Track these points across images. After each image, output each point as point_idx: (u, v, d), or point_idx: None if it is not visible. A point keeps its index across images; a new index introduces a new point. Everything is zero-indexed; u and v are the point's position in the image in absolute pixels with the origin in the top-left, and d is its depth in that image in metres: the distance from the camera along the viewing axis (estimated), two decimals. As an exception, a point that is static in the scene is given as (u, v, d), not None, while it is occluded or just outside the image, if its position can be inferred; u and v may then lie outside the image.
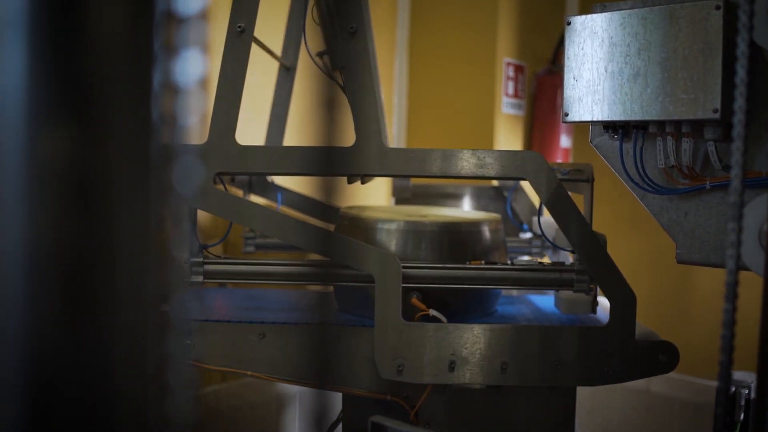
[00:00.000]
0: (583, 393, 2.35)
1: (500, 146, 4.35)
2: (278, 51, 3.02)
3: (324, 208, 2.97)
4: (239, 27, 2.09)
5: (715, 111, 1.84)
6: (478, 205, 3.22)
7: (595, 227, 2.20)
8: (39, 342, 0.56)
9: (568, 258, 2.93)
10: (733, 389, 2.19)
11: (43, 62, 0.53)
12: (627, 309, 2.07)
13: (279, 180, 3.11)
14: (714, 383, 1.37)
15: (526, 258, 3.03)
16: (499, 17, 4.36)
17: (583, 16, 2.07)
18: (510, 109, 4.46)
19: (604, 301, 2.40)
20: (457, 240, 2.29)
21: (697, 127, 1.95)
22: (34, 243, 0.54)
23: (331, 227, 2.74)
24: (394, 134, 4.64)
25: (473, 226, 2.33)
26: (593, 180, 2.28)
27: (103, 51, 0.55)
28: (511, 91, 4.46)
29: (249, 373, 2.15)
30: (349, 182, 2.32)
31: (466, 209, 3.17)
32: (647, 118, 1.97)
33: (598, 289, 2.24)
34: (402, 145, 4.67)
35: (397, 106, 4.65)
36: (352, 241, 2.07)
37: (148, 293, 0.58)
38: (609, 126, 2.11)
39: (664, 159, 2.02)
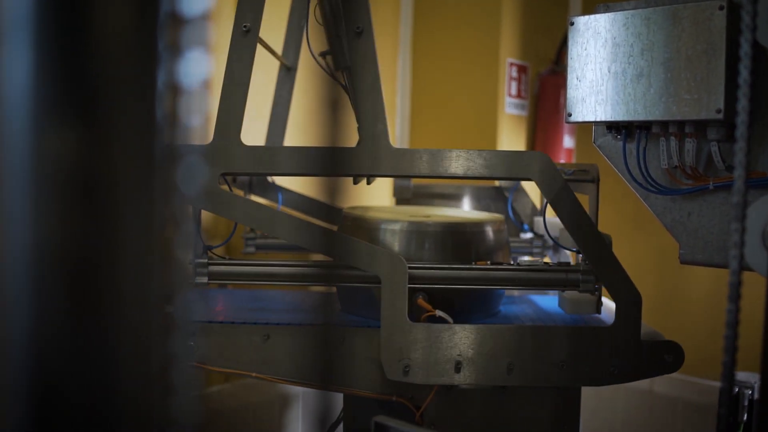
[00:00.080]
0: (586, 393, 2.35)
1: (503, 146, 4.35)
2: (279, 51, 3.02)
3: (324, 209, 2.97)
4: (245, 27, 2.09)
5: (719, 111, 1.84)
6: (479, 206, 3.22)
7: (599, 227, 2.20)
8: (44, 342, 0.56)
9: (569, 258, 2.93)
10: (737, 390, 2.19)
11: (49, 63, 0.54)
12: (633, 309, 2.07)
13: (279, 180, 3.11)
14: (717, 383, 1.37)
15: (525, 258, 3.03)
16: (502, 17, 4.36)
17: (587, 17, 2.07)
18: (513, 110, 4.46)
19: (606, 302, 2.40)
20: (460, 240, 2.29)
21: (700, 127, 1.94)
22: (39, 243, 0.55)
23: (333, 227, 2.74)
24: (397, 134, 4.64)
25: (477, 226, 2.33)
26: (599, 180, 2.28)
27: (108, 51, 0.55)
28: (514, 91, 4.46)
29: (253, 374, 2.14)
30: (355, 182, 2.32)
31: (465, 209, 3.17)
32: (650, 118, 1.97)
33: (601, 289, 2.24)
34: (405, 145, 4.67)
35: (400, 106, 4.65)
36: (358, 242, 2.07)
37: (152, 294, 0.58)
38: (612, 126, 2.11)
39: (668, 159, 2.02)
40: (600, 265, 2.08)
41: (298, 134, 3.58)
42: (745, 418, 2.19)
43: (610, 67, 2.02)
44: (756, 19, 1.34)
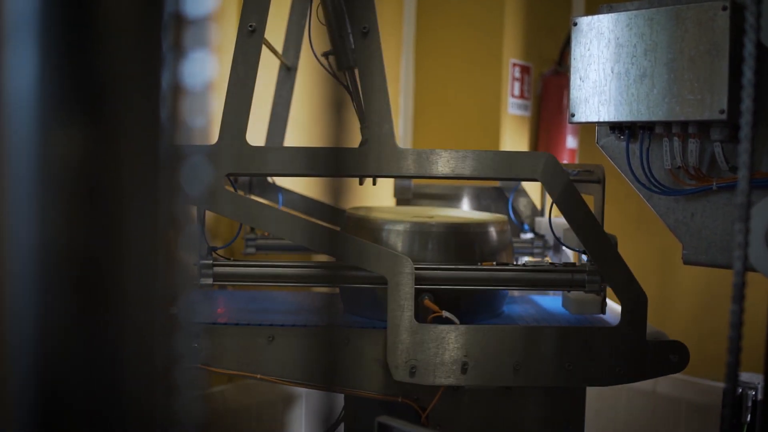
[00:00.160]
0: (588, 394, 2.35)
1: (506, 147, 4.35)
2: (279, 50, 3.02)
3: (325, 209, 2.96)
4: (250, 27, 2.08)
5: (722, 112, 1.84)
6: (479, 206, 3.22)
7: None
8: (49, 341, 0.56)
9: (570, 258, 2.93)
10: (740, 390, 2.19)
11: (55, 62, 0.54)
12: (638, 309, 2.07)
13: (279, 180, 3.10)
14: (721, 384, 1.37)
15: (525, 259, 3.03)
16: (505, 18, 4.36)
17: (590, 17, 2.07)
18: (516, 110, 4.46)
19: (608, 302, 2.40)
20: (464, 241, 2.29)
21: (703, 128, 1.94)
22: (44, 242, 0.55)
23: (333, 228, 2.73)
24: (400, 134, 4.64)
25: (480, 227, 2.33)
26: (604, 181, 2.28)
27: (113, 51, 0.55)
28: (517, 91, 4.46)
29: (258, 376, 2.13)
30: (361, 183, 2.31)
31: (465, 209, 3.17)
32: (654, 118, 1.96)
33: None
34: (407, 145, 4.66)
35: (403, 106, 4.65)
36: (364, 243, 2.06)
37: (157, 295, 0.58)
38: (615, 127, 2.11)
39: (671, 160, 2.02)
40: (606, 266, 2.08)
41: (298, 134, 3.58)
42: (748, 418, 2.19)
43: (614, 68, 2.02)
44: (759, 20, 1.34)
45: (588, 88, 2.07)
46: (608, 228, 2.21)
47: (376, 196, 4.04)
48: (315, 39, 2.49)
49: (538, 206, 3.18)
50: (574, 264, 2.26)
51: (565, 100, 4.38)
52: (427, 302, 2.11)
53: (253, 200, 2.13)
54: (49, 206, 0.54)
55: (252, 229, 2.96)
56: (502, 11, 4.35)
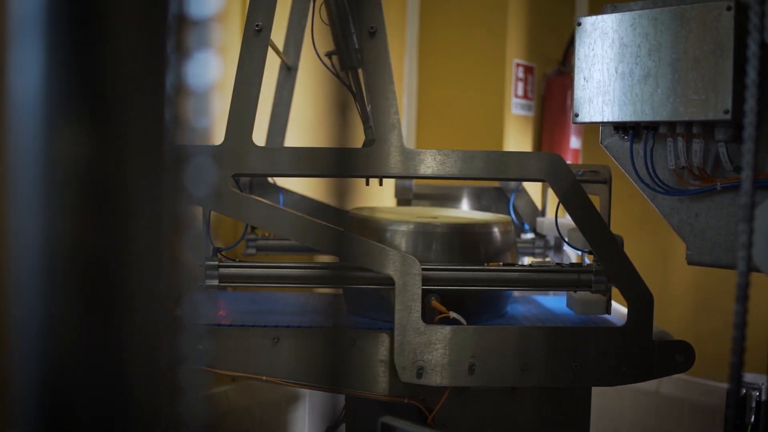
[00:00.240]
0: (592, 394, 2.35)
1: (509, 147, 4.35)
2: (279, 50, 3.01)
3: (326, 209, 2.96)
4: (257, 26, 2.07)
5: (726, 112, 1.83)
6: (480, 206, 3.21)
7: (605, 228, 2.20)
8: (55, 340, 0.56)
9: (570, 258, 2.93)
10: (744, 391, 2.18)
11: (60, 63, 0.54)
12: (645, 309, 2.08)
13: (280, 181, 3.09)
14: (724, 385, 1.37)
15: (525, 259, 3.03)
16: (508, 18, 4.36)
17: (594, 17, 2.07)
18: (519, 110, 4.46)
19: (612, 303, 2.39)
20: (468, 241, 2.29)
21: (707, 128, 1.94)
22: (49, 242, 0.55)
23: (337, 229, 2.72)
24: (404, 134, 4.63)
25: (484, 227, 2.33)
26: (611, 181, 2.28)
27: (118, 52, 0.55)
28: (520, 92, 4.45)
29: (264, 378, 2.12)
30: (367, 183, 2.31)
31: (464, 209, 3.17)
32: (658, 119, 1.96)
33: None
34: (410, 145, 4.66)
35: (407, 106, 4.65)
36: (371, 244, 2.06)
37: (161, 296, 0.58)
38: (619, 127, 2.11)
39: (675, 160, 2.01)
40: (612, 266, 2.09)
41: (298, 135, 3.58)
42: (752, 419, 2.18)
43: (618, 68, 2.02)
44: (764, 20, 1.34)
45: (592, 88, 2.07)
46: (612, 228, 2.21)
47: (377, 196, 4.04)
48: (317, 39, 2.48)
49: (539, 206, 3.18)
50: (580, 264, 2.26)
51: (568, 101, 4.38)
52: (435, 303, 2.11)
53: (259, 201, 2.12)
54: (54, 206, 0.54)
55: (252, 230, 2.95)
56: (506, 11, 4.35)
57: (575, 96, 2.11)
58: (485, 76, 4.44)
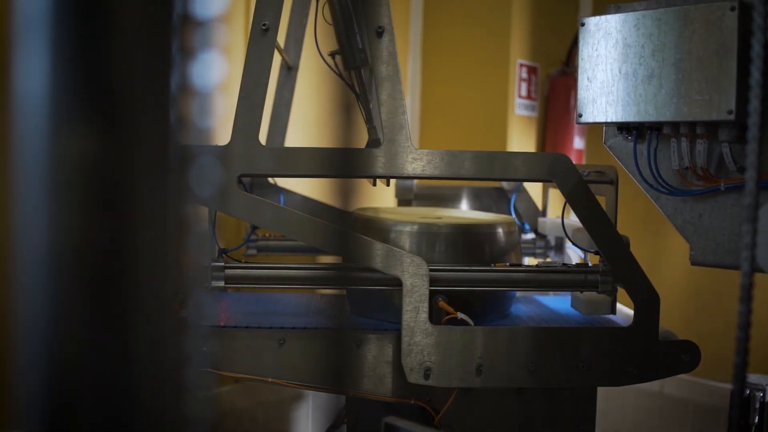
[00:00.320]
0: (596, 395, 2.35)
1: (513, 148, 4.34)
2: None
3: (326, 210, 2.95)
4: (264, 25, 2.06)
5: (730, 112, 1.83)
6: (480, 206, 3.21)
7: (609, 229, 2.20)
8: (60, 341, 0.56)
9: (570, 258, 2.93)
10: (748, 392, 2.18)
11: (66, 63, 0.54)
12: (651, 309, 2.08)
13: (281, 181, 3.08)
14: (728, 385, 1.37)
15: (526, 259, 3.03)
16: (512, 18, 4.36)
17: (597, 17, 2.07)
18: (523, 111, 4.46)
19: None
20: (473, 242, 2.29)
21: (711, 128, 1.94)
22: (55, 242, 0.55)
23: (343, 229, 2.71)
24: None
25: (489, 227, 2.33)
26: (617, 182, 2.28)
27: (125, 52, 0.55)
28: (524, 92, 4.45)
29: (270, 380, 2.11)
30: (374, 184, 2.31)
31: (463, 209, 3.16)
32: (661, 119, 1.96)
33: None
34: (414, 145, 4.65)
35: (410, 107, 4.65)
36: (378, 245, 2.05)
37: (167, 296, 0.58)
38: (623, 127, 2.11)
39: (679, 160, 2.01)
40: (619, 266, 2.09)
41: (298, 134, 3.58)
42: (756, 420, 2.18)
43: (621, 68, 2.02)
44: (767, 20, 1.33)
45: (596, 88, 2.07)
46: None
47: (377, 196, 4.04)
48: (319, 38, 2.48)
49: (540, 207, 3.18)
50: (586, 265, 2.26)
51: (572, 101, 4.38)
52: (442, 304, 2.10)
53: (267, 202, 2.11)
54: (59, 205, 0.55)
55: (253, 230, 2.93)
56: (509, 11, 4.35)
57: (579, 96, 2.11)
58: (489, 76, 4.44)
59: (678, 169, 2.03)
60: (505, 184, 3.18)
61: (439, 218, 2.38)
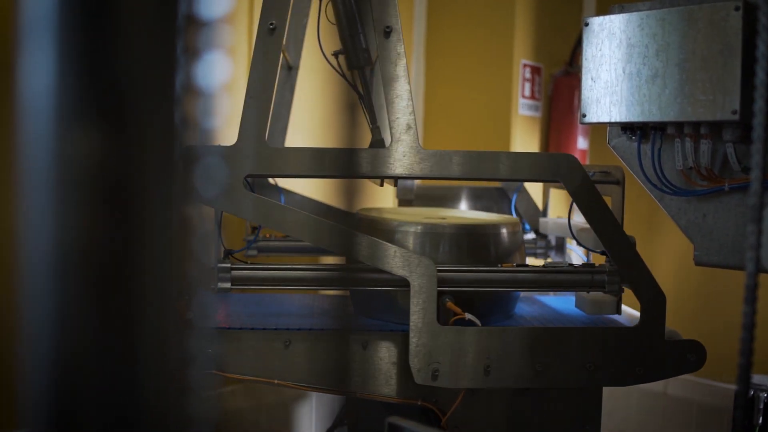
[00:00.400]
0: (600, 395, 2.35)
1: (516, 148, 4.34)
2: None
3: (328, 210, 2.94)
4: (271, 25, 2.05)
5: (734, 112, 1.83)
6: (481, 206, 3.20)
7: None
8: (66, 340, 0.56)
9: (571, 258, 2.93)
10: (752, 392, 2.18)
11: (71, 63, 0.54)
12: (657, 309, 2.08)
13: (281, 181, 3.07)
14: (732, 386, 1.36)
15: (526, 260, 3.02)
16: (515, 19, 4.35)
17: (601, 17, 2.07)
18: (527, 111, 4.45)
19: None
20: (477, 242, 2.28)
21: (715, 128, 1.94)
22: (61, 242, 0.55)
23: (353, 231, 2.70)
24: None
25: (493, 228, 2.32)
26: (624, 182, 2.28)
27: (129, 52, 0.55)
28: (527, 92, 4.45)
29: (276, 381, 2.10)
30: (381, 184, 2.30)
31: (463, 209, 3.16)
32: (665, 119, 1.96)
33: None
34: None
35: (414, 106, 4.64)
36: (386, 245, 2.04)
37: (172, 297, 0.58)
38: (627, 127, 2.10)
39: (683, 160, 2.01)
40: (626, 267, 2.09)
41: (302, 135, 3.57)
42: (760, 421, 2.18)
43: (625, 68, 2.02)
44: (772, 20, 1.33)
45: (599, 88, 2.07)
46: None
47: (377, 196, 4.03)
48: (311, 38, 2.46)
49: (540, 207, 3.17)
50: (593, 265, 2.26)
51: (576, 101, 4.37)
52: (450, 305, 2.10)
53: (274, 202, 2.10)
54: (65, 206, 0.55)
55: (253, 231, 2.92)
56: (513, 11, 4.35)
57: (583, 96, 2.11)
58: (492, 76, 4.43)
59: (682, 170, 2.03)
60: (505, 184, 3.18)
61: (444, 219, 2.37)
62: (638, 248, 2.17)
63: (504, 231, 2.34)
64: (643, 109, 1.99)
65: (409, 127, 2.06)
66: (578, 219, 2.39)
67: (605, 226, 2.07)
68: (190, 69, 0.57)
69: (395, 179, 2.25)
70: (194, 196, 0.57)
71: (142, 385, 0.59)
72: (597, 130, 4.34)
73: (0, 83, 2.46)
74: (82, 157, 0.54)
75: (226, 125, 2.11)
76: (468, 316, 2.08)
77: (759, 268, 1.33)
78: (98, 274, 0.56)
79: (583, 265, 2.26)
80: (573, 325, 2.26)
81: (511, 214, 3.07)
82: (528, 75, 4.45)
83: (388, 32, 2.06)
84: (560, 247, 3.00)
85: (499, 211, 3.05)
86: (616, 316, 2.36)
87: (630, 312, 2.41)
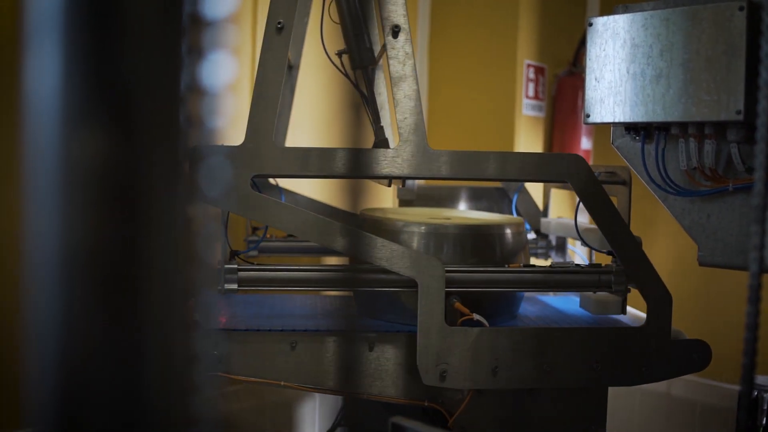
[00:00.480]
0: (602, 396, 2.35)
1: (520, 148, 4.34)
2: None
3: (329, 211, 2.94)
4: (279, 24, 2.04)
5: (739, 113, 1.83)
6: (481, 207, 3.20)
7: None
8: (71, 340, 0.57)
9: (571, 258, 2.93)
10: (756, 393, 2.18)
11: (77, 64, 0.54)
12: (664, 309, 2.08)
13: (282, 182, 3.07)
14: (736, 387, 1.36)
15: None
16: (519, 19, 4.35)
17: (605, 17, 2.07)
18: (530, 111, 4.45)
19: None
20: (483, 243, 2.28)
21: (719, 128, 1.93)
22: (67, 242, 0.55)
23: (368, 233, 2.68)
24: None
25: (499, 228, 2.32)
26: (631, 183, 2.28)
27: (135, 52, 0.55)
28: (531, 92, 4.45)
29: (283, 383, 2.08)
30: (389, 184, 2.30)
31: (462, 209, 3.16)
32: (669, 119, 1.96)
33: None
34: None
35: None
36: (395, 246, 2.03)
37: (178, 297, 0.58)
38: (631, 127, 2.10)
39: (687, 161, 2.01)
40: (632, 266, 2.09)
41: (302, 134, 3.57)
42: (764, 422, 2.17)
43: (629, 68, 2.01)
44: (777, 20, 1.33)
45: (603, 88, 2.07)
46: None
47: (377, 197, 4.03)
48: (313, 38, 2.46)
49: (540, 207, 3.17)
50: (599, 265, 2.26)
51: (579, 101, 4.37)
52: (458, 305, 2.09)
53: (283, 203, 2.08)
54: (71, 206, 0.55)
55: (254, 231, 2.92)
56: (516, 12, 4.35)
57: (586, 96, 2.11)
58: (496, 76, 4.43)
59: (686, 170, 2.02)
60: (505, 184, 3.17)
61: (448, 219, 2.37)
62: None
63: (508, 231, 2.34)
64: (647, 110, 1.99)
65: (417, 127, 2.06)
66: (580, 219, 2.40)
67: (612, 227, 2.07)
68: (195, 69, 0.57)
69: (403, 180, 2.24)
70: (201, 197, 0.57)
71: (148, 386, 0.59)
72: (601, 130, 4.34)
73: (5, 84, 2.46)
74: (88, 158, 0.54)
75: (231, 125, 2.11)
76: (476, 316, 2.08)
77: (762, 269, 1.32)
78: (104, 275, 0.56)
79: (590, 265, 2.26)
80: (578, 325, 2.26)
81: (511, 214, 3.07)
82: (531, 75, 4.44)
83: (396, 31, 2.05)
84: (561, 247, 3.00)
85: (499, 212, 3.05)
86: (620, 316, 2.36)
87: (632, 312, 2.41)
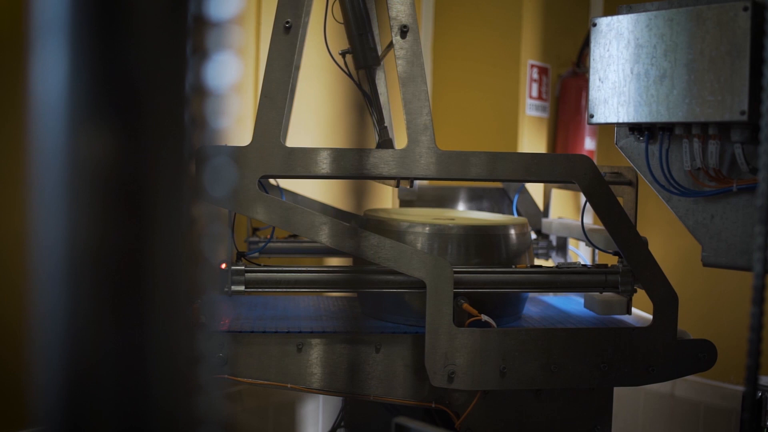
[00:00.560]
0: (606, 397, 2.34)
1: (524, 149, 4.34)
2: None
3: (332, 211, 2.93)
4: (287, 23, 2.03)
5: (743, 113, 1.83)
6: (482, 207, 3.20)
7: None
8: (77, 339, 0.57)
9: (571, 258, 2.93)
10: (760, 394, 2.17)
11: (84, 64, 0.54)
12: (670, 309, 2.08)
13: (282, 182, 3.06)
14: (740, 388, 1.36)
15: None
16: (523, 19, 4.35)
17: (609, 18, 2.07)
18: (534, 111, 4.45)
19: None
20: (487, 243, 2.28)
21: (723, 129, 1.93)
22: (73, 242, 0.55)
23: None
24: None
25: (502, 229, 2.32)
26: (637, 183, 2.28)
27: (141, 53, 0.55)
28: (535, 93, 4.44)
29: (289, 386, 2.08)
30: (398, 185, 2.29)
31: (461, 209, 3.15)
32: (673, 120, 1.96)
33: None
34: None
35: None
36: (404, 247, 2.03)
37: (184, 298, 0.58)
38: (635, 128, 2.10)
39: (690, 161, 2.01)
40: (639, 267, 2.09)
41: (305, 134, 3.58)
42: (768, 422, 2.17)
43: (633, 69, 2.01)
44: (781, 21, 1.33)
45: (607, 88, 2.07)
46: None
47: (377, 197, 4.02)
48: (317, 38, 2.45)
49: (541, 207, 3.17)
50: (606, 265, 2.26)
51: (583, 102, 4.37)
52: (466, 306, 2.09)
53: (291, 204, 2.07)
54: (78, 206, 0.55)
55: (254, 232, 2.91)
56: (520, 12, 4.34)
57: (590, 97, 2.11)
58: (500, 77, 4.43)
59: (690, 170, 2.02)
60: (506, 185, 3.17)
61: (452, 219, 2.37)
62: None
63: (513, 232, 2.33)
64: (651, 110, 1.98)
65: (425, 128, 2.05)
66: (576, 220, 2.40)
67: (619, 227, 2.07)
68: (200, 70, 0.57)
69: (411, 180, 2.24)
70: (208, 197, 0.57)
71: (153, 387, 0.59)
72: (604, 130, 4.34)
73: (12, 84, 2.47)
74: (94, 159, 0.54)
75: (236, 125, 2.10)
76: (484, 317, 2.08)
77: (766, 269, 1.32)
78: (110, 276, 0.56)
79: (596, 265, 2.26)
80: (583, 326, 2.26)
81: (512, 214, 3.07)
82: (535, 75, 4.44)
83: (404, 31, 2.05)
84: (562, 247, 3.00)
85: (500, 212, 3.04)
86: (625, 317, 2.36)
87: (636, 312, 2.41)
